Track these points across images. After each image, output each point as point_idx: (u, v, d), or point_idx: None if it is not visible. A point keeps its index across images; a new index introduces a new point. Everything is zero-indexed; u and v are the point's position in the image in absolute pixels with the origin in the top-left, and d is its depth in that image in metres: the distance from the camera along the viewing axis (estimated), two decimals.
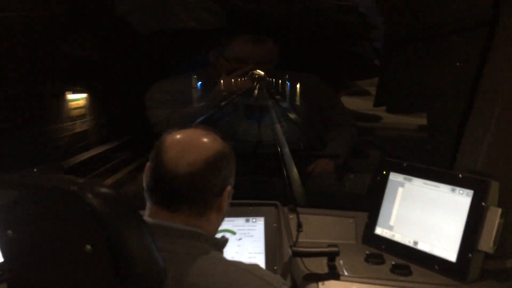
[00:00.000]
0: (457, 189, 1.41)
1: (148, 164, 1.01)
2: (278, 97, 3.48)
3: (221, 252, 1.02)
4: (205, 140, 1.00)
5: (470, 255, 1.33)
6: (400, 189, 1.54)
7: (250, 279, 0.92)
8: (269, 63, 2.58)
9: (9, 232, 0.77)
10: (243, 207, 1.65)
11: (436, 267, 1.40)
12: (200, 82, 2.98)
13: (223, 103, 2.81)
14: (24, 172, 1.40)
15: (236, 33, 2.54)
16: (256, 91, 3.37)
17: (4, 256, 0.80)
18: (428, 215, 1.47)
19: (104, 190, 0.74)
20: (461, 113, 1.59)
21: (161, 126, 2.51)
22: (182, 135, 1.01)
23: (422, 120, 2.74)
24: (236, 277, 0.91)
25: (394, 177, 1.57)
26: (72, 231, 0.74)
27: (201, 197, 0.98)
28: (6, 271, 0.85)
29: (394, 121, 3.43)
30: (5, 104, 2.28)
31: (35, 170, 1.41)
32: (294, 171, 2.66)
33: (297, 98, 3.14)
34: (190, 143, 0.98)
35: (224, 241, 1.04)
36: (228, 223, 1.62)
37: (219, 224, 1.06)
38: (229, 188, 1.03)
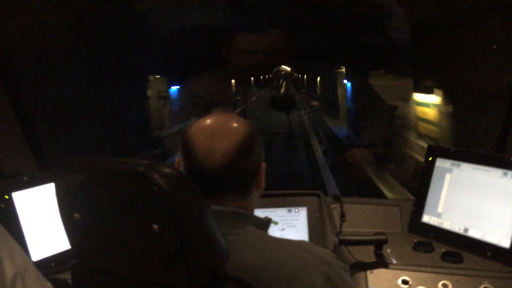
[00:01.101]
0: (510, 172, 1.36)
1: (178, 160, 0.98)
2: (313, 101, 3.40)
3: (266, 232, 1.01)
4: (232, 125, 0.97)
5: None
6: (448, 175, 1.50)
7: (301, 253, 0.91)
8: (278, 52, 2.48)
9: (76, 215, 0.77)
10: (285, 198, 1.64)
11: (489, 254, 1.36)
12: (178, 87, 2.76)
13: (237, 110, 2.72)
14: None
15: (245, 27, 2.49)
16: (283, 89, 3.35)
17: (69, 238, 0.81)
18: (478, 201, 1.42)
19: (169, 170, 0.73)
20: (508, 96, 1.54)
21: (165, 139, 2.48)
22: (207, 123, 0.97)
23: None
24: (286, 252, 0.90)
25: (440, 163, 1.53)
26: (139, 212, 0.73)
27: (241, 182, 0.97)
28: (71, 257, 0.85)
29: None
30: None
31: None
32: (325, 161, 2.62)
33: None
34: (218, 132, 0.94)
35: (267, 221, 1.03)
36: (270, 214, 1.61)
37: (258, 198, 1.05)
38: (263, 164, 1.01)
